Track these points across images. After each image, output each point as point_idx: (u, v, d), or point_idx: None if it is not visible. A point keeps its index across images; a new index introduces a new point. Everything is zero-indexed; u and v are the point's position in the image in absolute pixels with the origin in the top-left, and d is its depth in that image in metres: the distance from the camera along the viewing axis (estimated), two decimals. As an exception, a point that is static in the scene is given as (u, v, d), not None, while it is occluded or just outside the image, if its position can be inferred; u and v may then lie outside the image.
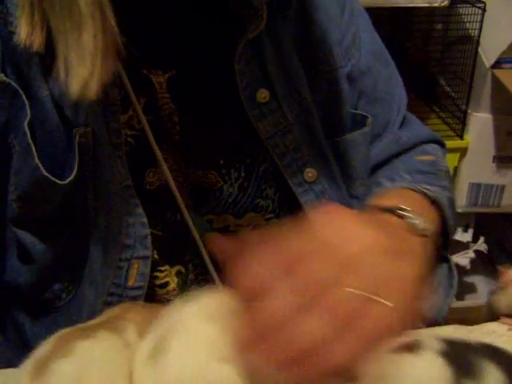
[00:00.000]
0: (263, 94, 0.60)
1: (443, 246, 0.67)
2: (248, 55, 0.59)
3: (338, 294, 0.40)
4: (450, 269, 0.67)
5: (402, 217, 0.52)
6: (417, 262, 0.47)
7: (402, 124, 0.74)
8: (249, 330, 0.40)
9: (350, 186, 0.68)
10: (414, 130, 0.75)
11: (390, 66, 0.74)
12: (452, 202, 0.69)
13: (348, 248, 0.42)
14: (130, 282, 0.56)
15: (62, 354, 0.40)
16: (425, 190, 0.64)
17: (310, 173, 0.63)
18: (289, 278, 0.40)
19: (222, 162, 0.61)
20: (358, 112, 0.70)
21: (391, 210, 0.53)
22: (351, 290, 0.40)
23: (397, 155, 0.73)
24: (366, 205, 0.59)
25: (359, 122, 0.69)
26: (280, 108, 0.61)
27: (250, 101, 0.60)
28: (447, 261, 0.67)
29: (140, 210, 0.56)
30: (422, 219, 0.53)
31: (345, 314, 0.39)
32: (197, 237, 0.60)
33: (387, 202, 0.56)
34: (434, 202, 0.64)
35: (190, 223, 0.60)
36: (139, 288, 0.56)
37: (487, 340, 0.53)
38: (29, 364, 0.41)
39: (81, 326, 0.44)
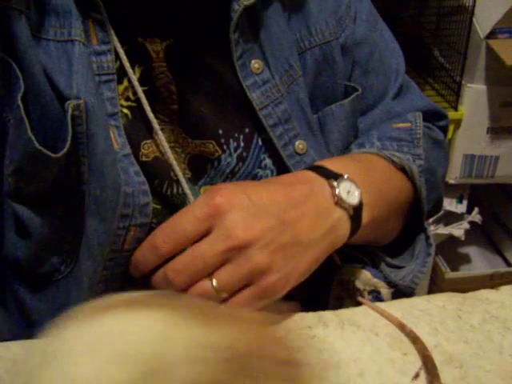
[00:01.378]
0: (257, 65, 0.61)
1: (419, 214, 0.68)
2: (243, 25, 0.59)
3: (200, 286, 0.50)
4: (427, 238, 0.68)
5: (332, 186, 0.55)
6: (316, 247, 0.53)
7: (399, 93, 0.74)
8: None
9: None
10: (410, 101, 0.74)
11: (385, 35, 0.74)
12: (428, 168, 0.70)
13: (220, 241, 0.49)
14: (126, 246, 0.56)
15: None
16: (392, 157, 0.64)
17: (300, 144, 0.63)
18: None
19: (220, 131, 0.61)
20: (350, 84, 0.70)
21: (328, 176, 0.56)
22: (214, 283, 0.49)
23: None
24: (313, 164, 0.61)
25: (350, 94, 0.69)
26: (273, 79, 0.62)
27: (244, 71, 0.60)
28: (424, 230, 0.68)
29: (141, 178, 0.56)
30: (355, 193, 0.56)
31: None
32: None
33: (336, 165, 0.58)
34: (402, 169, 0.65)
35: (189, 194, 0.60)
36: (133, 249, 0.57)
37: (481, 307, 0.54)
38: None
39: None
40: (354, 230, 0.56)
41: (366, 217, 0.57)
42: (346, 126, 0.69)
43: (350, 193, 0.55)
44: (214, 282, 0.49)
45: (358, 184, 0.56)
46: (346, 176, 0.56)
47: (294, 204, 0.53)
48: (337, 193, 0.55)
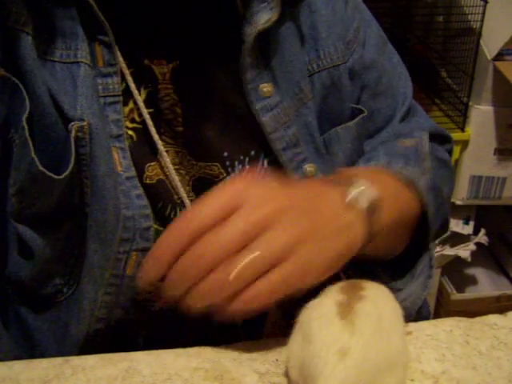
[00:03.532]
0: (267, 89, 0.60)
1: (424, 233, 0.66)
2: (255, 50, 0.59)
3: (242, 256, 0.45)
4: (430, 259, 0.66)
5: (342, 190, 0.54)
6: (338, 239, 0.50)
7: (406, 116, 0.74)
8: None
9: None
10: (417, 123, 0.74)
11: (393, 59, 0.74)
12: (435, 186, 0.68)
13: (256, 211, 0.46)
14: (128, 271, 0.56)
15: (357, 299, 0.47)
16: (401, 171, 0.63)
17: (308, 168, 0.63)
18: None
19: (226, 153, 0.61)
20: (356, 107, 0.69)
21: (336, 182, 0.54)
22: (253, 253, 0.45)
23: None
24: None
25: (355, 116, 0.69)
26: (281, 103, 0.61)
27: (254, 94, 0.60)
28: (429, 250, 0.66)
29: (143, 202, 0.56)
30: (365, 197, 0.54)
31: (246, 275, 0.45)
32: None
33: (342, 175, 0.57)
34: (410, 184, 0.63)
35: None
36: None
37: (489, 333, 0.53)
38: (332, 306, 0.46)
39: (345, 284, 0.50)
40: (368, 235, 0.54)
41: (379, 222, 0.55)
42: (351, 149, 0.69)
43: (365, 194, 0.54)
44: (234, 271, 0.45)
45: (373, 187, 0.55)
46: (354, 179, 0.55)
47: (313, 196, 0.52)
48: (352, 193, 0.53)
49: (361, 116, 0.69)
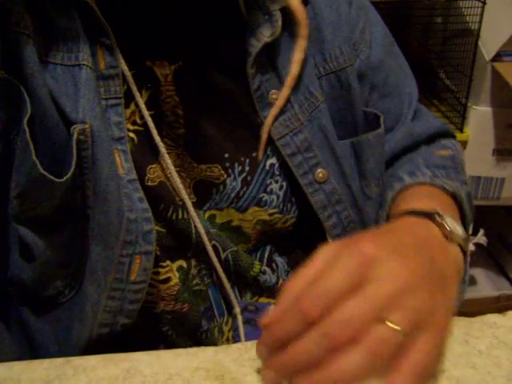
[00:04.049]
0: (275, 95, 0.60)
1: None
2: (261, 58, 0.58)
3: (377, 332, 0.41)
4: (465, 263, 0.64)
5: (439, 224, 0.53)
6: (455, 282, 0.49)
7: (415, 116, 0.74)
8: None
9: (366, 186, 0.68)
10: (427, 122, 0.75)
11: (399, 59, 0.74)
12: (470, 197, 0.69)
13: (383, 286, 0.42)
14: (132, 277, 0.56)
15: None
16: (444, 185, 0.64)
17: (320, 173, 0.63)
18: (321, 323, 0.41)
19: (226, 155, 0.61)
20: (369, 110, 0.69)
21: (429, 216, 0.53)
22: (392, 326, 0.41)
23: (411, 147, 0.73)
24: (400, 209, 0.59)
25: (371, 121, 0.69)
26: (292, 109, 0.61)
27: (261, 101, 0.60)
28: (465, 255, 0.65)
29: (145, 205, 0.56)
30: (458, 226, 0.54)
31: (385, 352, 0.41)
32: (202, 231, 0.60)
33: (421, 204, 0.57)
34: (453, 196, 0.64)
35: (195, 218, 0.60)
36: (141, 282, 0.57)
37: (488, 332, 0.54)
38: None
39: None
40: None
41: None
42: (381, 153, 0.69)
43: (457, 228, 0.55)
44: (390, 324, 0.41)
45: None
46: (441, 212, 0.55)
47: (423, 244, 0.50)
48: (449, 229, 0.53)
49: (381, 119, 0.68)
